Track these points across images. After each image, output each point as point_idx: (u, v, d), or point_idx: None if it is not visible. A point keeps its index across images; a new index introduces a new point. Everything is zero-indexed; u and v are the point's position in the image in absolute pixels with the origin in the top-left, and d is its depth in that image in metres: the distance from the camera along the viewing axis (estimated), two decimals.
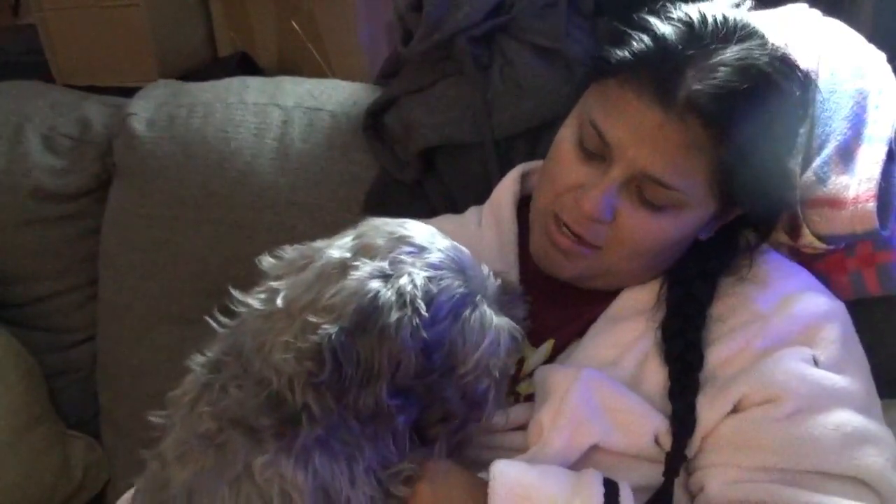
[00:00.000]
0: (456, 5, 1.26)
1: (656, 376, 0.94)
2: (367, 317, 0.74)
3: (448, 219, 1.18)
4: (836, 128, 1.04)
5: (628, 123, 0.90)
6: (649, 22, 0.92)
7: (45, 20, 1.74)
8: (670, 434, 0.90)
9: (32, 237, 1.48)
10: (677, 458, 0.90)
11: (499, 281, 0.86)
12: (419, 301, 0.75)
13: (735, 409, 0.91)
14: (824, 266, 1.07)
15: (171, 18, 1.72)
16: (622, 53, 0.91)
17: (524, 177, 1.13)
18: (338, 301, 0.75)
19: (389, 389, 0.75)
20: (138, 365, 1.45)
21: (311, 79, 1.50)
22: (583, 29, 1.27)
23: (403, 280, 0.76)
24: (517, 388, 0.98)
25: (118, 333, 1.47)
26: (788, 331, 0.93)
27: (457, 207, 1.25)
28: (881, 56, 1.11)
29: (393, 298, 0.75)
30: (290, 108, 1.41)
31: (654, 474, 0.91)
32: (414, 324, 0.75)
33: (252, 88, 1.46)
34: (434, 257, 0.79)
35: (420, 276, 0.77)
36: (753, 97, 0.88)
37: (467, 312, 0.80)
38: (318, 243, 0.84)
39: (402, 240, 0.80)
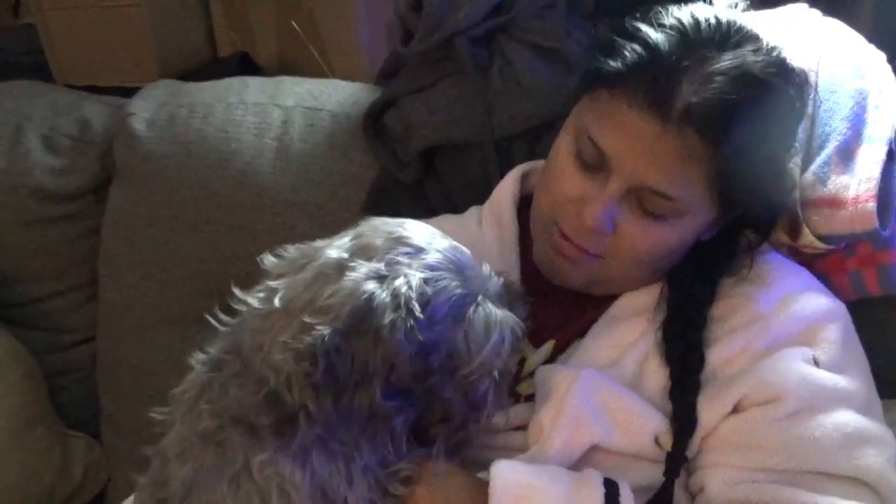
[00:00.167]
0: (456, 5, 1.26)
1: (657, 377, 0.94)
2: (361, 318, 0.74)
3: (448, 219, 1.18)
4: (836, 128, 1.04)
5: (625, 136, 0.89)
6: (641, 30, 0.91)
7: (45, 20, 1.74)
8: (670, 434, 0.90)
9: (32, 237, 1.48)
10: (678, 459, 0.90)
11: (501, 279, 0.86)
12: (414, 303, 0.75)
13: (735, 410, 0.91)
14: (824, 266, 1.07)
15: (171, 18, 1.72)
16: (615, 64, 0.90)
17: (524, 177, 1.13)
18: (334, 302, 0.75)
19: (385, 391, 0.75)
20: (138, 365, 1.45)
21: (311, 79, 1.50)
22: (583, 29, 1.27)
23: (399, 282, 0.76)
24: (518, 388, 0.98)
25: (118, 333, 1.47)
26: (789, 331, 0.93)
27: (457, 207, 1.25)
28: (881, 56, 1.11)
29: (387, 300, 0.75)
30: (290, 108, 1.41)
31: (654, 474, 0.91)
32: (409, 325, 0.75)
33: (252, 88, 1.46)
34: (432, 258, 0.79)
35: (416, 277, 0.77)
36: (750, 105, 0.87)
37: (471, 312, 0.80)
38: (319, 243, 0.84)
39: (400, 240, 0.80)
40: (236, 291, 0.83)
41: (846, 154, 1.03)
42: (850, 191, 1.00)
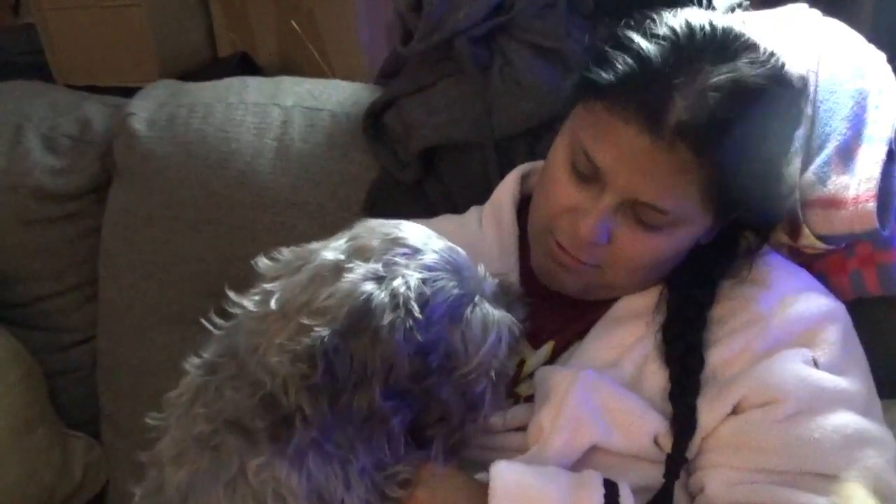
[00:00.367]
0: (456, 5, 1.26)
1: (656, 378, 0.94)
2: (360, 319, 0.74)
3: (448, 219, 1.18)
4: (835, 128, 1.04)
5: (618, 150, 0.88)
6: (633, 41, 0.89)
7: (45, 20, 1.74)
8: (670, 435, 0.90)
9: (32, 237, 1.48)
10: (678, 460, 0.90)
11: (496, 280, 0.86)
12: (413, 303, 0.75)
13: (735, 411, 0.91)
14: (824, 266, 1.07)
15: (171, 18, 1.72)
16: (607, 76, 0.88)
17: (524, 178, 1.12)
18: (331, 303, 0.75)
19: (383, 391, 0.75)
20: (138, 365, 1.45)
21: (311, 79, 1.50)
22: (583, 29, 1.26)
23: (397, 282, 0.76)
24: (517, 389, 0.98)
25: (118, 333, 1.47)
26: (788, 332, 0.93)
27: (457, 207, 1.25)
28: (881, 56, 1.10)
29: (386, 300, 0.75)
30: (290, 107, 1.41)
31: (653, 475, 0.91)
32: (407, 326, 0.75)
33: (252, 88, 1.46)
34: (429, 259, 0.79)
35: (414, 277, 0.77)
36: (745, 119, 0.86)
37: (468, 312, 0.80)
38: (314, 245, 0.84)
39: (397, 241, 0.80)
40: (231, 294, 0.83)
41: (846, 154, 1.03)
42: (850, 191, 1.00)
